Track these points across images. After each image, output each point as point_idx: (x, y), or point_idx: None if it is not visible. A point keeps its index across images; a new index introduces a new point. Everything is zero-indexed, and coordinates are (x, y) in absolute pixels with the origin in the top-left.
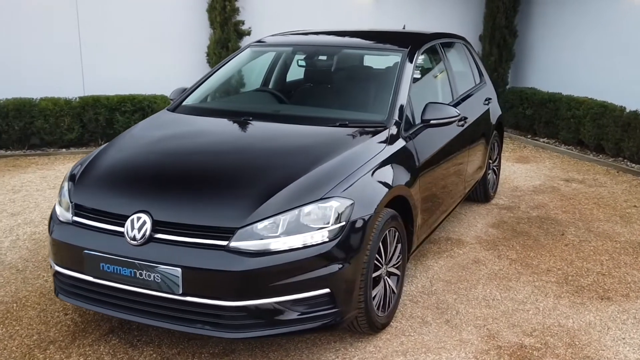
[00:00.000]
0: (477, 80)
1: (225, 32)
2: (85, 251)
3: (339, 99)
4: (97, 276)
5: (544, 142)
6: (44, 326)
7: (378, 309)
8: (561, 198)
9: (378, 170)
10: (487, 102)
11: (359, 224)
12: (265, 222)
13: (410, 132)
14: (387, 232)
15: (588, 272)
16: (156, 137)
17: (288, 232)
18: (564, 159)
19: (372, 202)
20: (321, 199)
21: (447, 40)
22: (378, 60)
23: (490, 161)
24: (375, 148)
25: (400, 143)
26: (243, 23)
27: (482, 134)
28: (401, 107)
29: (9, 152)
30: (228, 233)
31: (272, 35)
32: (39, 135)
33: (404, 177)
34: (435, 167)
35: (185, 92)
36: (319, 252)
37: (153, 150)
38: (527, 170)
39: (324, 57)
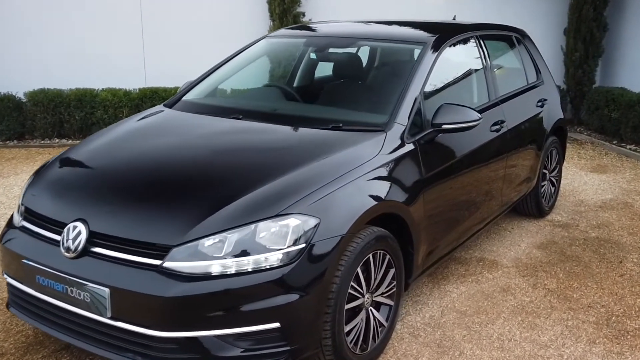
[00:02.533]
0: (532, 79)
1: (285, 24)
2: (24, 260)
3: (346, 97)
4: (35, 289)
5: (630, 149)
6: (4, 334)
7: (356, 345)
8: (632, 216)
9: (362, 182)
10: (540, 103)
11: (324, 246)
12: (208, 240)
13: (418, 137)
14: (370, 255)
15: (639, 312)
16: (121, 136)
17: (235, 253)
18: None
19: (346, 220)
20: (277, 215)
21: (491, 32)
22: (398, 53)
23: (546, 171)
24: (364, 155)
25: (400, 150)
26: (304, 15)
27: (532, 140)
28: (410, 107)
29: (69, 142)
30: (163, 251)
31: (292, 27)
32: (99, 126)
33: (401, 190)
34: (452, 179)
35: (189, 86)
36: (270, 279)
37: (109, 151)
38: (600, 181)
39: (337, 50)
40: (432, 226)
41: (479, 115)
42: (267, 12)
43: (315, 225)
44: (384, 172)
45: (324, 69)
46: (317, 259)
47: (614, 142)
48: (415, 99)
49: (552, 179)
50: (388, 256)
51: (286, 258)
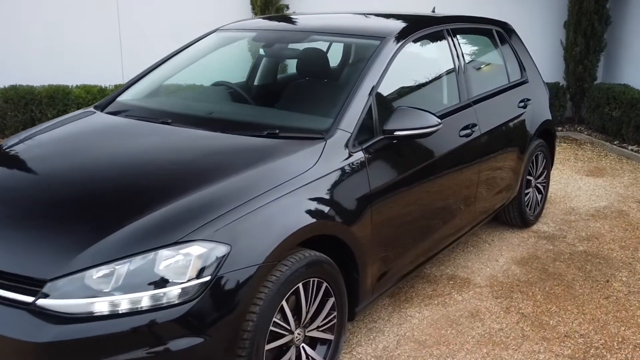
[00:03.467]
0: (515, 77)
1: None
2: None
3: (293, 100)
4: None
5: (631, 150)
6: None
7: None
8: (626, 227)
9: (290, 200)
10: (522, 104)
11: (236, 279)
12: (93, 272)
13: (367, 145)
14: (300, 284)
15: (622, 343)
16: (27, 146)
17: (125, 288)
18: None
19: (266, 246)
20: (177, 242)
21: (466, 26)
22: (353, 49)
23: (531, 178)
24: (297, 167)
25: (343, 160)
26: (287, 7)
27: (512, 144)
28: (359, 111)
29: None
30: (38, 286)
31: (245, 20)
32: None
33: (340, 207)
34: (410, 191)
35: (125, 85)
36: (168, 318)
37: (6, 163)
38: (596, 186)
39: (287, 45)
40: (384, 245)
41: (439, 120)
42: (250, 4)
43: (225, 254)
44: (319, 187)
45: (287, 68)
46: (227, 293)
47: (615, 143)
48: (366, 102)
49: (539, 185)
50: (325, 284)
51: (188, 293)
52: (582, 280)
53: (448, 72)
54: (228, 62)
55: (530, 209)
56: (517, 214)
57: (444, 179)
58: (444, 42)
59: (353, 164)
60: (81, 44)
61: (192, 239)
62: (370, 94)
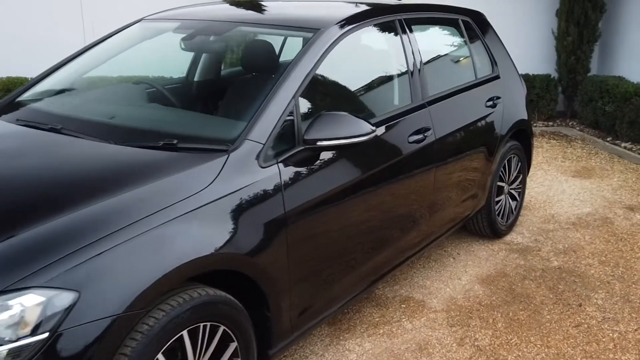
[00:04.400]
0: (484, 72)
1: None
2: None
3: (207, 102)
4: None
5: (624, 148)
6: None
7: None
8: (608, 238)
9: (173, 228)
10: (491, 103)
11: (84, 335)
12: None
13: (284, 158)
14: (184, 332)
15: None
16: None
17: None
18: None
19: (130, 289)
20: (5, 290)
21: (424, 16)
22: (287, 43)
23: (503, 184)
24: (187, 188)
25: (250, 178)
26: None
27: (478, 147)
28: (276, 118)
29: None
30: None
31: (174, 9)
32: None
33: (243, 235)
34: (338, 211)
35: (28, 84)
36: None
37: None
38: (582, 189)
39: (209, 38)
40: (306, 276)
41: (372, 127)
42: None
43: (71, 304)
44: (214, 210)
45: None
46: (75, 351)
47: (608, 139)
48: (286, 107)
49: (513, 192)
50: (222, 327)
51: (20, 355)
52: (551, 303)
53: (399, 69)
54: (151, 57)
55: (502, 218)
56: (487, 224)
57: (387, 192)
58: (396, 34)
59: (264, 182)
60: (47, 35)
61: (26, 286)
62: (293, 96)
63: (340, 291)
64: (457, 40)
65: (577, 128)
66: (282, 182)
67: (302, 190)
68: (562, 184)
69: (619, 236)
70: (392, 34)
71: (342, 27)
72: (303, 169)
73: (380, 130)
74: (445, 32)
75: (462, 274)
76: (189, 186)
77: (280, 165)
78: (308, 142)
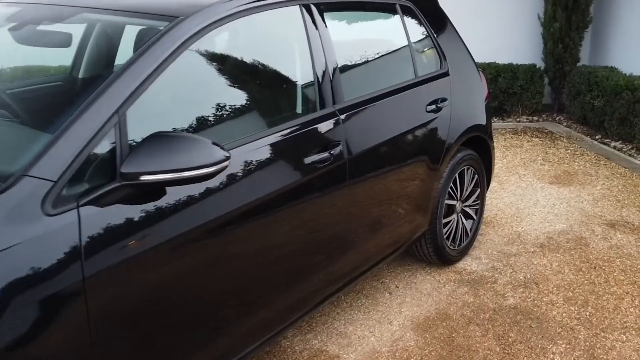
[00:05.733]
0: (428, 69)
1: None
2: None
3: (24, 117)
4: None
5: (614, 147)
6: None
7: None
8: (580, 266)
9: None
10: (434, 106)
11: None
12: None
13: (90, 199)
14: None
15: None
16: None
17: None
18: (632, 180)
19: None
20: None
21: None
22: (138, 36)
23: (455, 202)
24: None
25: (29, 229)
26: None
27: (414, 163)
28: (80, 143)
29: None
30: None
31: None
32: None
33: (8, 324)
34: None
35: None
36: None
37: None
38: (559, 199)
39: (45, 28)
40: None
41: (224, 154)
42: None
43: None
44: None
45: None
46: None
47: (597, 137)
48: (102, 127)
49: (468, 210)
50: None
51: None
52: None
53: (301, 70)
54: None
55: (452, 242)
56: (432, 250)
57: (276, 226)
58: (296, 23)
59: (50, 236)
60: None
61: None
62: (117, 111)
63: (229, 346)
64: (392, 30)
65: (564, 124)
66: (81, 235)
67: (117, 243)
68: (536, 193)
69: (593, 263)
70: (292, 23)
71: (211, 14)
72: (123, 212)
73: (263, 151)
74: (376, 20)
75: (395, 315)
76: None
77: (83, 210)
78: (126, 176)
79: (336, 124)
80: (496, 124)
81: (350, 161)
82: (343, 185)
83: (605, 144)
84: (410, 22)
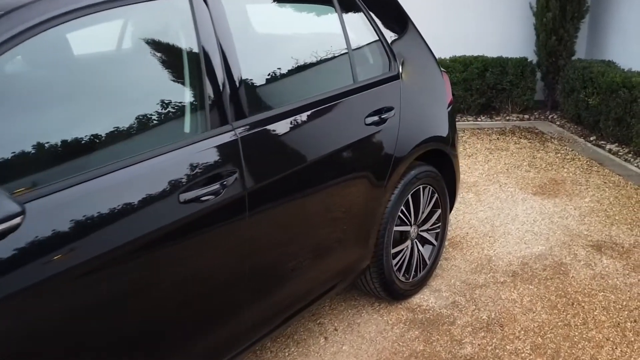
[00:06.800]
0: (373, 72)
1: None
2: None
3: None
4: None
5: (609, 151)
6: None
7: None
8: (556, 302)
9: None
10: (376, 118)
11: None
12: None
13: None
14: None
15: None
16: None
17: None
18: (626, 190)
19: None
20: None
21: None
22: None
23: (408, 227)
24: None
25: None
26: None
27: (348, 188)
28: None
29: None
30: None
31: None
32: None
33: None
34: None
35: None
36: None
37: None
38: (541, 213)
39: None
40: None
41: (14, 208)
42: None
43: None
44: None
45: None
46: None
47: (592, 139)
48: None
49: (427, 235)
50: None
51: None
52: None
53: (190, 77)
54: None
55: (406, 274)
56: (378, 285)
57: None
58: (181, 14)
59: None
60: None
61: None
62: None
63: None
64: (324, 24)
65: (557, 123)
66: None
67: None
68: (516, 206)
69: (571, 298)
70: (175, 12)
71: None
72: None
73: (133, 183)
74: (301, 11)
75: None
76: None
77: None
78: None
79: (233, 146)
80: (483, 123)
81: (251, 193)
82: (240, 221)
83: (600, 146)
84: (350, 14)
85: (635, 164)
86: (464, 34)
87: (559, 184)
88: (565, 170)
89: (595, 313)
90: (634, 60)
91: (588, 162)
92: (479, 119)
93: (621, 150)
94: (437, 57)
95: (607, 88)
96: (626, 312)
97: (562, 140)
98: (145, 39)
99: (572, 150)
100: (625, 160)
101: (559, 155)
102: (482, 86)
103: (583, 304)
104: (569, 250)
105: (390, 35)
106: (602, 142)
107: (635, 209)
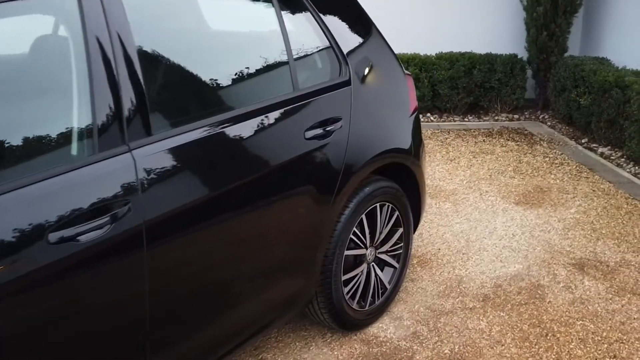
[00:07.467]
0: (320, 79)
1: None
2: None
3: None
4: None
5: (601, 154)
6: None
7: None
8: (528, 332)
9: None
10: (321, 130)
11: None
12: None
13: None
14: None
15: None
16: None
17: None
18: (616, 199)
19: None
20: None
21: None
22: None
23: (363, 250)
24: None
25: None
26: None
27: (286, 210)
28: None
29: None
30: None
31: None
32: None
33: None
34: None
35: None
36: None
37: None
38: (522, 226)
39: None
40: None
41: None
42: None
43: None
44: None
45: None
46: None
47: (583, 141)
48: None
49: (387, 257)
50: None
51: None
52: None
53: (78, 86)
54: None
55: (361, 302)
56: (327, 315)
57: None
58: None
59: None
60: None
61: None
62: None
63: None
64: (256, 22)
65: (548, 124)
66: None
67: None
68: (496, 218)
69: (545, 327)
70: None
71: None
72: None
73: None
74: (229, 3)
75: None
76: None
77: None
78: None
79: (126, 170)
80: (470, 123)
81: (151, 226)
82: (133, 259)
83: (591, 149)
84: (292, 12)
85: (628, 170)
86: (450, 29)
87: (544, 192)
88: (553, 176)
89: (571, 346)
90: (629, 57)
91: (577, 168)
92: (465, 119)
93: (613, 154)
94: (422, 54)
95: (599, 87)
96: (605, 346)
97: (552, 143)
98: (21, 39)
99: (562, 153)
100: (617, 165)
101: (547, 159)
102: (470, 84)
103: (558, 335)
104: (548, 269)
105: (343, 38)
106: (594, 145)
107: (624, 221)
